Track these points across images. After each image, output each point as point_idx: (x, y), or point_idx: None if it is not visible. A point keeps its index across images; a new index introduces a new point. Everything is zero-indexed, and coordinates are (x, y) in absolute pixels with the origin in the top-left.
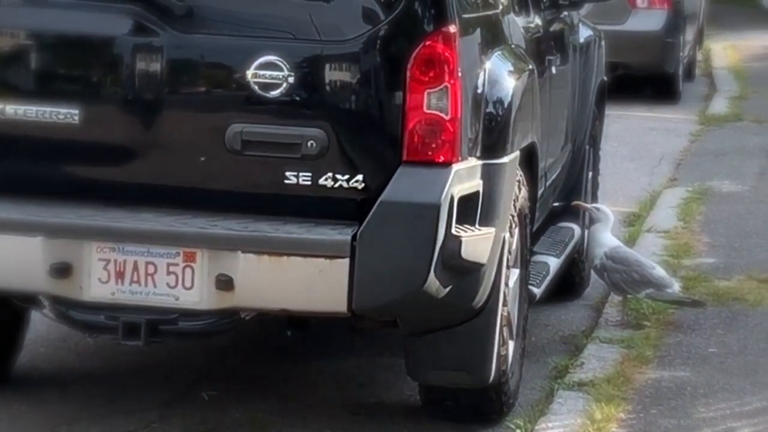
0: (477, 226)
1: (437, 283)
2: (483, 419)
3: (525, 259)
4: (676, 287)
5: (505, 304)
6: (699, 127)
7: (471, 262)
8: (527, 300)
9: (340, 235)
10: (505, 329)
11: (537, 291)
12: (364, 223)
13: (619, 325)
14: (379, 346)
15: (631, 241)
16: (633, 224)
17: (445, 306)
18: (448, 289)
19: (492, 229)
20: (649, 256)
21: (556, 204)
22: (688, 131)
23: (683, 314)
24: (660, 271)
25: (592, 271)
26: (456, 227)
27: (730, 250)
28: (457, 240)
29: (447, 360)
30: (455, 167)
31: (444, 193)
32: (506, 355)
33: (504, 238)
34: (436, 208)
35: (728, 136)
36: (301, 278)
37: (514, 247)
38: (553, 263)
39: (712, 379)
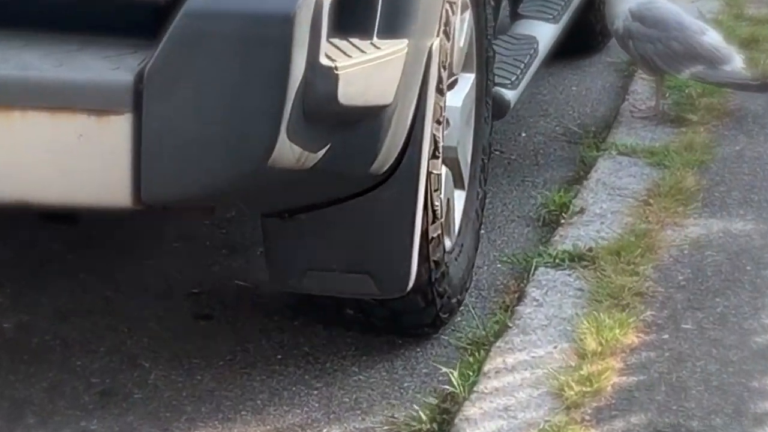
0: (374, 39)
1: (297, 148)
2: (407, 334)
3: (485, 55)
4: (736, 62)
5: (436, 155)
6: None
7: (360, 107)
8: (491, 116)
9: (116, 71)
10: (436, 195)
11: (511, 95)
12: (157, 51)
13: (650, 117)
14: None
15: None
16: None
17: (321, 176)
18: (322, 151)
19: (403, 42)
20: None
21: None
22: None
23: (748, 100)
24: (713, 37)
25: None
26: (329, 50)
27: None
28: (330, 74)
29: (333, 256)
30: None
31: None
32: (448, 230)
33: (431, 47)
34: (287, 22)
35: None
36: (48, 149)
37: (460, 46)
38: (547, 34)
39: None
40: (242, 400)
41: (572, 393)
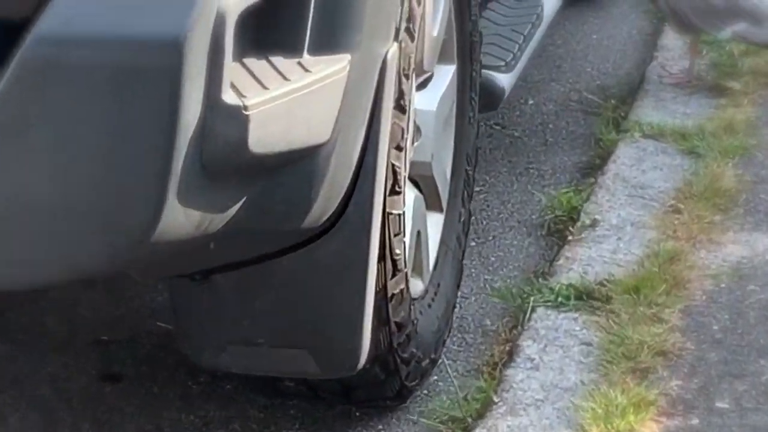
0: (304, 57)
1: (194, 213)
2: (365, 405)
3: (468, 40)
4: None
5: (396, 190)
6: None
7: (282, 153)
8: (476, 114)
9: None
10: (397, 240)
11: (505, 80)
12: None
13: (682, 84)
14: None
15: None
16: None
17: (235, 237)
18: (234, 210)
19: (343, 58)
20: None
21: None
22: None
23: None
24: None
25: None
26: (239, 78)
27: None
28: (237, 116)
29: (258, 327)
30: None
31: (198, 7)
32: (419, 270)
33: (385, 57)
34: (174, 48)
35: None
36: None
37: (433, 36)
38: None
39: None
40: None
41: None
